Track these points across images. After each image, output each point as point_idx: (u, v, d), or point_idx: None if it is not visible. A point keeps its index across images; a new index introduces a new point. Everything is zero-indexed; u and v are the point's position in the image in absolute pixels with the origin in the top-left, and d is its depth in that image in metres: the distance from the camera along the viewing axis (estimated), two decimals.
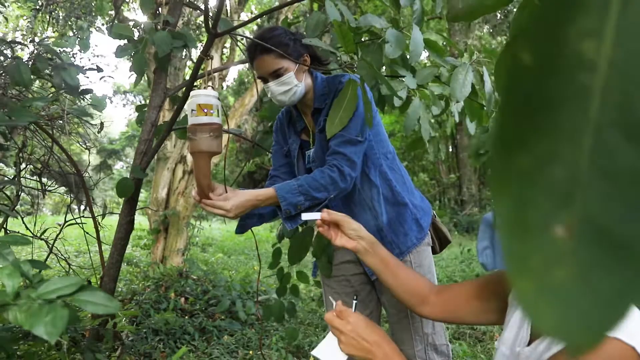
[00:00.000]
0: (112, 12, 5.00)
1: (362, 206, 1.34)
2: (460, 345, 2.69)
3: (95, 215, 1.84)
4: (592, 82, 0.13)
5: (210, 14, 1.25)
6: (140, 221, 7.47)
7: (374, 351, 0.80)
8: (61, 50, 1.49)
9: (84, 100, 1.67)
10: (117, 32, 1.38)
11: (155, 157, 2.15)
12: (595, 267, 0.14)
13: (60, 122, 2.04)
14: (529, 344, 0.76)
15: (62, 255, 2.15)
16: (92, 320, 1.57)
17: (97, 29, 5.90)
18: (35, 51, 1.58)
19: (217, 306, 3.28)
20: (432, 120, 1.54)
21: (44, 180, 2.09)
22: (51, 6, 4.55)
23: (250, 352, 2.73)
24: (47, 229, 1.98)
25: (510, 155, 0.14)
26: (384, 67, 1.49)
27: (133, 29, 1.49)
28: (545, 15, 0.14)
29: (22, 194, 1.80)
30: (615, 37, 0.13)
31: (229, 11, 4.98)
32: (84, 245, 5.81)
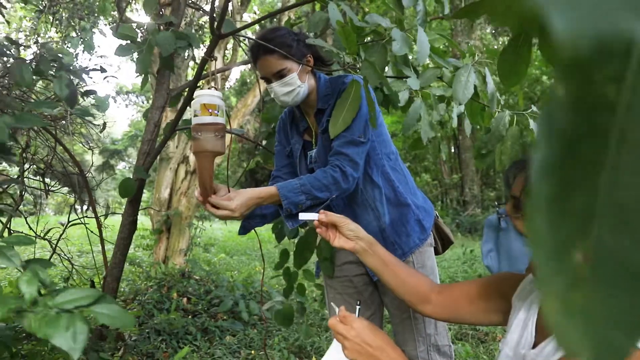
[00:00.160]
0: (115, 13, 5.01)
1: (365, 207, 1.33)
2: (463, 346, 2.69)
3: (98, 215, 1.84)
4: (610, 122, 0.15)
5: (215, 15, 1.25)
6: (143, 221, 7.48)
7: (379, 356, 0.80)
8: (62, 56, 1.50)
9: (86, 100, 1.67)
10: (122, 33, 1.38)
11: (158, 157, 2.16)
12: (611, 294, 0.15)
13: (64, 122, 2.05)
14: (534, 346, 0.76)
15: (65, 255, 2.16)
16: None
17: (100, 30, 5.91)
18: (38, 52, 1.59)
19: (219, 306, 3.28)
20: (434, 122, 1.53)
21: (47, 180, 2.09)
22: (54, 7, 4.56)
23: (253, 352, 2.73)
24: (51, 228, 1.99)
25: (546, 177, 0.16)
26: (387, 68, 1.49)
27: (136, 30, 1.49)
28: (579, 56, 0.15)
29: (25, 194, 1.80)
30: (634, 83, 0.14)
31: (231, 12, 4.99)
32: (86, 245, 5.82)
